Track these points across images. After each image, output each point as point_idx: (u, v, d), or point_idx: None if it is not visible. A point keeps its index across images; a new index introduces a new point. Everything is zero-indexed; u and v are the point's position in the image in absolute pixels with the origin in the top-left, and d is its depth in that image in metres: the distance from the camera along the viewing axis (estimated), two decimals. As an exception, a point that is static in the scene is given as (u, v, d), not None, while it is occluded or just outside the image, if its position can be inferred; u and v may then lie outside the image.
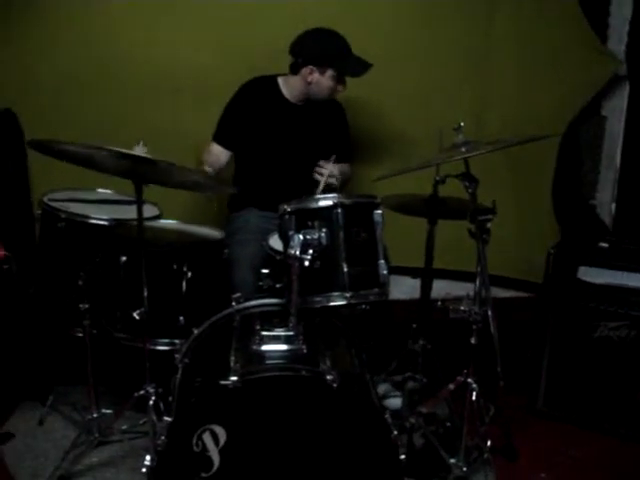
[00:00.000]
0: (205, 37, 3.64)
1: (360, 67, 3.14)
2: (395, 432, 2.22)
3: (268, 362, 2.28)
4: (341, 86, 3.20)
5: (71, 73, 3.60)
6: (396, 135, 3.81)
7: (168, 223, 3.08)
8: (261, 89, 3.28)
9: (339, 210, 2.32)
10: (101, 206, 3.04)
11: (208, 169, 3.21)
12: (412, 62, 3.78)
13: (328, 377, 2.14)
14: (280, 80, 3.29)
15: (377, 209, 2.41)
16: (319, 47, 3.14)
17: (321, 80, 3.15)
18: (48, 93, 3.61)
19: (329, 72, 3.14)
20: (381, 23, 3.72)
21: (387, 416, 2.25)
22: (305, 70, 3.15)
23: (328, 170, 3.06)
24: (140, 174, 2.36)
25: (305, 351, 2.30)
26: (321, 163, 3.14)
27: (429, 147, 2.85)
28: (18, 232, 3.37)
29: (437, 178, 2.83)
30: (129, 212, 2.67)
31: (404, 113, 3.80)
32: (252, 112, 3.24)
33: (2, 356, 3.09)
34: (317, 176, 3.12)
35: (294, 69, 3.20)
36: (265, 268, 2.68)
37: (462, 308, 2.57)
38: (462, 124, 2.55)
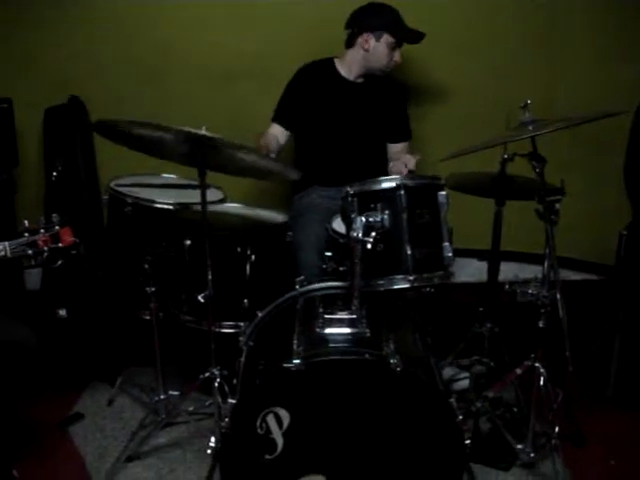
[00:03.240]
0: (261, 23, 3.64)
1: (415, 35, 3.16)
2: (460, 417, 2.18)
3: (331, 345, 2.27)
4: (398, 54, 3.18)
5: (133, 60, 3.65)
6: (461, 114, 3.74)
7: (232, 207, 3.09)
8: (319, 70, 3.29)
9: (402, 192, 2.29)
10: (166, 191, 3.07)
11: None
12: (478, 38, 3.70)
13: (392, 361, 2.12)
14: (336, 61, 3.30)
15: (441, 190, 2.37)
16: (374, 14, 3.16)
17: (377, 47, 3.15)
18: (111, 80, 3.66)
19: (385, 37, 3.14)
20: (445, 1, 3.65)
21: (452, 400, 2.21)
22: (361, 39, 3.16)
23: (413, 167, 3.00)
24: (203, 158, 2.37)
25: (368, 334, 2.28)
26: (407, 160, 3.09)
27: (495, 126, 2.78)
28: (87, 217, 3.44)
29: (505, 156, 2.76)
30: (194, 196, 2.69)
31: (469, 91, 3.73)
32: (311, 92, 3.26)
33: (73, 338, 3.17)
34: (401, 167, 3.06)
35: (350, 42, 3.22)
36: (328, 251, 2.67)
37: (530, 291, 2.51)
38: (529, 102, 2.48)
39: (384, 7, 3.17)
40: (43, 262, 2.25)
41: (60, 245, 2.24)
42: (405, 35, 3.17)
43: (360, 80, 3.28)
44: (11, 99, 3.31)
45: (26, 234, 2.21)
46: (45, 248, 2.22)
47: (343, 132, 3.27)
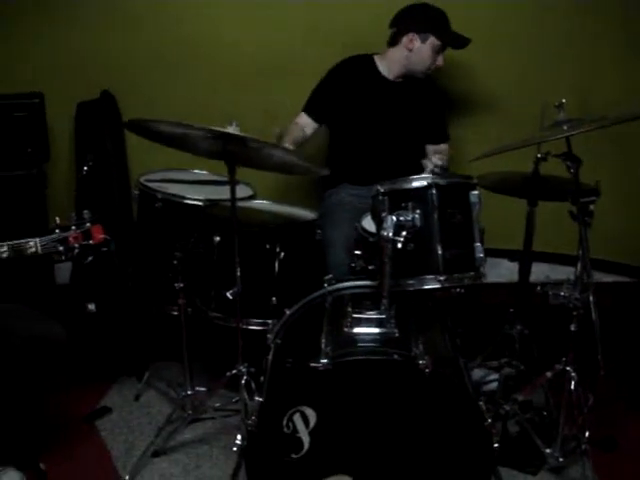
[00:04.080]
0: (291, 18, 3.62)
1: (461, 40, 3.11)
2: (489, 420, 2.16)
3: (359, 345, 2.25)
4: (441, 58, 3.15)
5: (163, 54, 3.65)
6: (494, 112, 3.70)
7: (261, 203, 3.09)
8: (358, 66, 3.25)
9: (434, 191, 2.27)
10: (196, 186, 3.08)
11: (288, 146, 3.11)
12: (512, 36, 3.64)
13: (421, 362, 2.10)
14: (377, 58, 3.26)
15: (473, 190, 2.35)
16: (421, 15, 3.11)
17: (422, 48, 3.11)
18: (143, 75, 3.67)
19: (430, 39, 3.09)
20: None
21: (481, 403, 2.19)
22: (406, 38, 3.11)
23: (440, 162, 2.97)
24: (233, 154, 2.36)
25: (397, 335, 2.26)
26: (433, 155, 3.06)
27: (529, 125, 2.75)
28: (117, 212, 3.45)
29: (539, 156, 2.72)
30: (223, 192, 2.69)
31: (503, 90, 3.68)
32: (348, 87, 3.22)
33: (102, 333, 3.19)
34: (426, 163, 3.03)
35: (393, 40, 3.17)
36: (357, 249, 2.65)
37: (562, 293, 2.47)
38: (564, 101, 2.44)
39: (432, 9, 3.12)
40: (73, 258, 2.26)
41: (91, 242, 2.25)
42: (451, 39, 3.12)
43: (399, 80, 3.24)
44: (43, 94, 3.32)
45: (57, 231, 2.23)
46: (76, 245, 2.24)
47: (379, 131, 3.24)
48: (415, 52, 3.12)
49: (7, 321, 2.39)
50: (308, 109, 3.26)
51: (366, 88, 3.23)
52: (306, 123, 3.25)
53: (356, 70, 3.25)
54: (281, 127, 3.14)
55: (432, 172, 2.79)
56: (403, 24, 3.13)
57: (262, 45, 3.63)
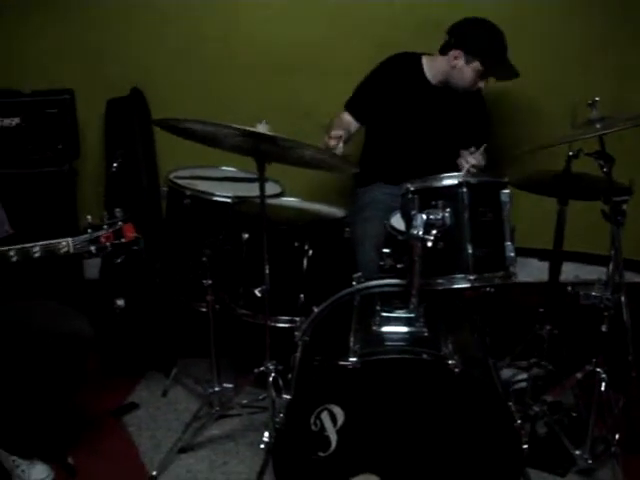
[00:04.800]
0: (323, 14, 3.60)
1: (508, 73, 3.03)
2: (518, 420, 2.14)
3: (388, 344, 2.25)
4: (483, 83, 3.08)
5: (193, 51, 3.65)
6: (525, 110, 3.65)
7: (290, 201, 3.09)
8: (404, 65, 3.20)
9: (464, 189, 2.26)
10: (225, 183, 3.08)
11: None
12: (544, 30, 3.59)
13: (450, 361, 2.09)
14: (425, 59, 3.20)
15: (504, 189, 2.33)
16: (477, 36, 3.02)
17: (464, 69, 3.04)
18: (172, 72, 3.67)
19: (475, 64, 3.02)
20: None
21: (510, 403, 2.17)
22: (453, 53, 3.04)
23: (475, 161, 2.94)
24: (263, 152, 2.36)
25: (426, 334, 2.25)
26: (467, 155, 3.02)
27: (560, 123, 2.72)
28: (146, 208, 3.47)
29: (570, 153, 2.69)
30: (252, 189, 2.69)
31: (534, 86, 3.60)
32: (391, 87, 3.17)
33: (130, 328, 3.21)
34: (462, 162, 3.01)
35: (444, 49, 3.09)
36: (386, 247, 2.64)
37: (594, 294, 2.44)
38: (597, 99, 2.41)
39: (490, 30, 3.01)
40: (105, 256, 2.26)
41: (123, 241, 2.24)
42: (496, 72, 3.03)
43: (441, 85, 3.18)
44: (73, 90, 3.34)
45: (89, 230, 2.22)
46: (107, 244, 2.22)
47: (417, 133, 3.19)
48: (457, 70, 3.05)
49: (37, 317, 2.41)
50: (350, 108, 3.22)
51: (409, 89, 3.18)
52: (349, 121, 3.20)
53: (401, 70, 3.19)
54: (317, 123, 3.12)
55: (468, 172, 2.80)
56: (455, 37, 3.04)
57: (293, 42, 3.61)
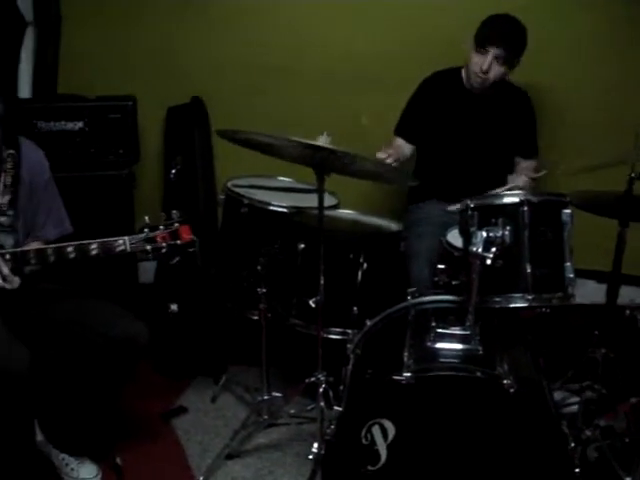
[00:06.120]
0: (383, 28, 3.60)
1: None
2: (572, 444, 2.10)
3: (442, 360, 2.23)
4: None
5: (255, 62, 3.68)
6: (585, 126, 3.58)
7: (346, 213, 3.09)
8: (443, 82, 3.20)
9: (525, 208, 2.23)
10: (281, 193, 3.10)
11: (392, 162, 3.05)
12: (606, 45, 3.53)
13: (505, 381, 2.06)
14: (463, 71, 3.17)
15: (566, 208, 2.30)
16: (485, 23, 2.97)
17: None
18: (232, 82, 3.72)
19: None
20: (569, 5, 3.49)
21: (564, 427, 2.14)
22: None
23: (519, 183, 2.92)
24: (323, 163, 2.36)
25: (481, 352, 2.22)
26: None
27: (622, 141, 2.66)
28: (203, 215, 3.51)
29: (632, 175, 2.64)
30: (308, 200, 2.70)
31: (594, 102, 3.55)
32: (434, 105, 3.17)
33: (182, 333, 3.24)
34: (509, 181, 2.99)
35: None
36: (441, 263, 2.62)
37: (653, 318, 2.40)
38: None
39: (501, 17, 2.97)
40: (160, 258, 2.29)
41: (178, 242, 2.27)
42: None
43: (484, 92, 3.12)
44: (136, 97, 3.40)
45: (146, 230, 2.26)
46: (163, 244, 2.26)
47: (466, 146, 3.17)
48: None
49: (97, 317, 2.44)
50: (400, 132, 3.23)
51: (452, 103, 3.17)
52: (401, 144, 3.21)
53: (442, 85, 3.19)
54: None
55: (509, 189, 2.78)
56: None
57: (358, 53, 3.63)
